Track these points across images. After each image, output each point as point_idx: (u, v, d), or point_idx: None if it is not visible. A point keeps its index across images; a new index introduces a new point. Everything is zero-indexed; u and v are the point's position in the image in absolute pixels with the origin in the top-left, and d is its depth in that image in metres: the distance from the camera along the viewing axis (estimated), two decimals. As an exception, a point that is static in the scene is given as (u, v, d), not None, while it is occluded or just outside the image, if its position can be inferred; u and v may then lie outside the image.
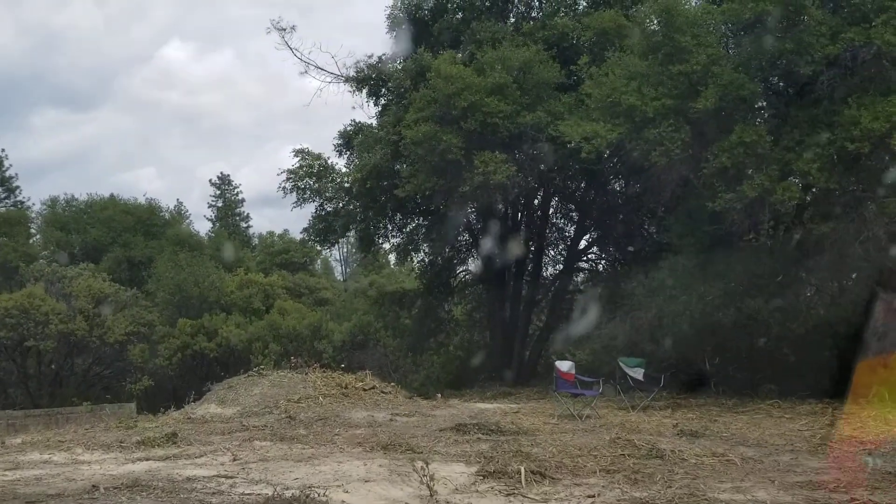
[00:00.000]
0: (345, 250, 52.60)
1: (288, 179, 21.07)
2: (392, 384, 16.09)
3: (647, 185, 15.21)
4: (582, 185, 21.79)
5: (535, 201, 22.55)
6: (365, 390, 14.59)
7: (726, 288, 14.15)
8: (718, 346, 15.02)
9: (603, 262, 23.64)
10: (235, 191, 52.09)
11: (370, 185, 18.73)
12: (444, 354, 25.18)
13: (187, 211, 47.00)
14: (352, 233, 23.40)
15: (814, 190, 12.45)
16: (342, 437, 10.57)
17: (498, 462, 8.48)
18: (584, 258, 23.55)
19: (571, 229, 23.40)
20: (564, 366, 13.02)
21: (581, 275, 24.08)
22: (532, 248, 23.05)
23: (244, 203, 52.27)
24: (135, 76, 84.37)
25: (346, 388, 14.50)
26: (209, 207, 51.93)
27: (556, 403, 13.17)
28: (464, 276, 25.53)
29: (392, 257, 28.70)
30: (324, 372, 15.77)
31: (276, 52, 20.87)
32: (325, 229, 21.91)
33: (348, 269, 54.59)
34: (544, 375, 20.68)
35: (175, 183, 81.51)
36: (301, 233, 23.79)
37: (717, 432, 11.08)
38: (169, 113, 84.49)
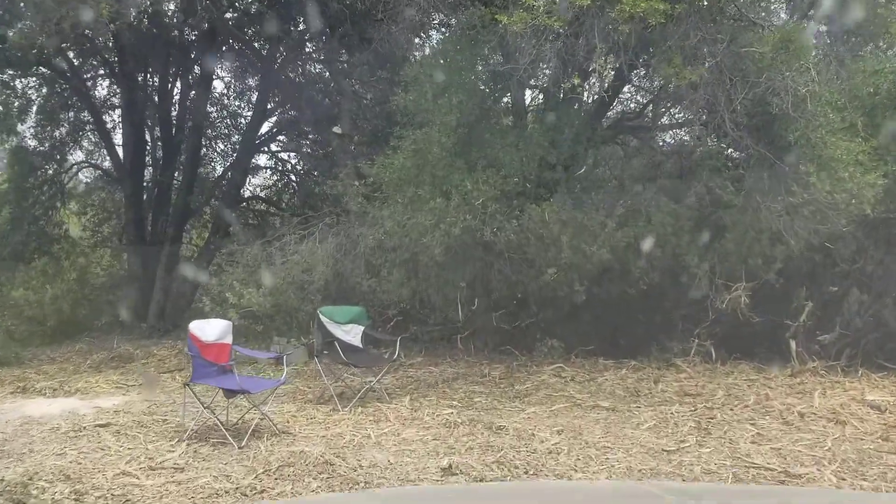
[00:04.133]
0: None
1: None
2: None
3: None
4: (266, 46, 15.09)
5: (196, 67, 15.38)
6: None
7: (504, 185, 8.63)
8: (479, 282, 9.57)
9: (296, 156, 17.25)
10: None
11: None
12: (55, 287, 17.26)
13: None
14: None
15: None
16: None
17: None
18: (267, 150, 16.96)
19: (247, 112, 16.58)
20: (210, 331, 6.56)
21: (264, 173, 17.51)
22: (188, 132, 15.95)
23: None
24: None
25: None
26: None
27: (192, 405, 6.71)
28: (84, 171, 17.70)
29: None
30: None
31: None
32: None
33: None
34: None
35: None
36: None
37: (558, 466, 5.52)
38: None
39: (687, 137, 11.20)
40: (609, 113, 11.20)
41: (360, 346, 7.82)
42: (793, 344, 9.67)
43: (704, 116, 9.24)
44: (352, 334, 7.75)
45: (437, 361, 9.72)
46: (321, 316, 7.76)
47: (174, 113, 16.30)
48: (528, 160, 8.86)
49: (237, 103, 17.04)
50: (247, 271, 10.35)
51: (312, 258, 10.01)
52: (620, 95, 11.29)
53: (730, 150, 9.45)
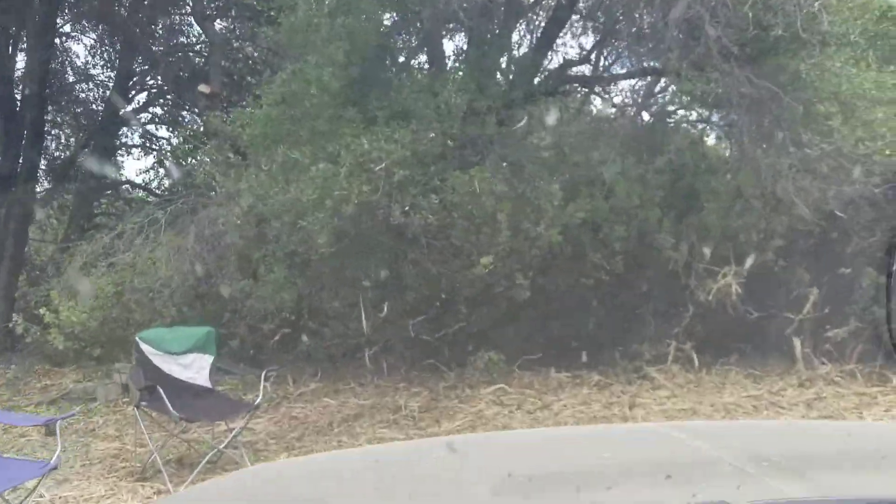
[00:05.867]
0: None
1: None
2: None
3: None
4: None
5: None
6: None
7: (416, 145, 6.23)
8: (389, 280, 7.14)
9: (169, 129, 14.40)
10: None
11: None
12: None
13: None
14: None
15: None
16: None
17: None
18: (136, 124, 14.08)
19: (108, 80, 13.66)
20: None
21: (137, 153, 14.57)
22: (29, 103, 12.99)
23: None
24: None
25: None
26: None
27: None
28: None
29: None
30: None
31: None
32: None
33: None
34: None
35: None
36: None
37: None
38: None
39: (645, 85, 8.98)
40: (550, 57, 8.87)
41: (208, 385, 5.30)
42: (797, 343, 7.59)
43: (679, 48, 6.98)
44: (194, 369, 5.23)
45: (336, 388, 7.26)
46: (141, 344, 5.21)
47: (17, 82, 13.33)
48: (450, 110, 6.47)
49: (98, 70, 14.11)
50: (74, 277, 7.69)
51: (163, 254, 7.43)
52: (563, 35, 8.98)
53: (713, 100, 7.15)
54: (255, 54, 9.19)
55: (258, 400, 5.23)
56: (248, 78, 10.68)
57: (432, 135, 6.23)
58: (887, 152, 6.14)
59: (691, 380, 7.41)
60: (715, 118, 7.45)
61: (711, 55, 6.44)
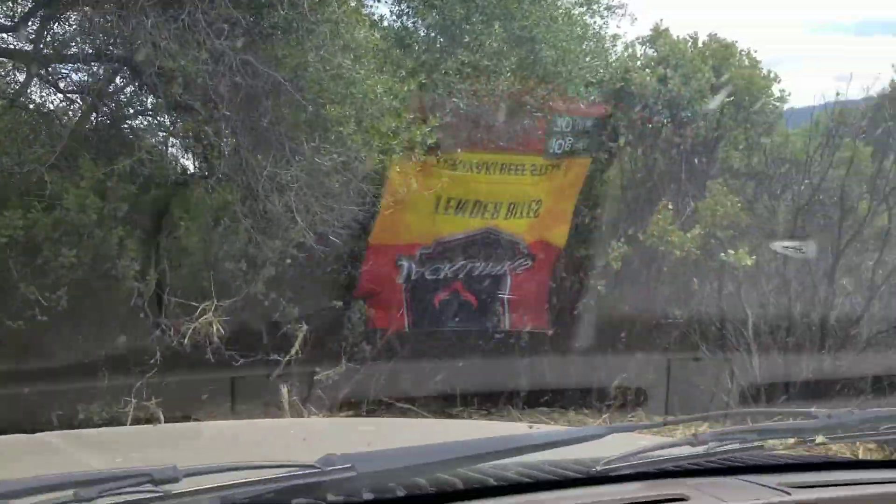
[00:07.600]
0: None
1: None
2: None
3: None
4: None
5: None
6: None
7: None
8: None
9: None
10: None
11: None
12: None
13: None
14: None
15: None
16: None
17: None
18: None
19: None
20: None
21: None
22: None
23: None
24: None
25: None
26: None
27: None
28: None
29: None
30: None
31: None
32: None
33: None
34: None
35: None
36: None
37: None
38: None
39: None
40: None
41: None
42: (283, 390, 6.53)
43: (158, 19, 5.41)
44: None
45: None
46: None
47: None
48: None
49: None
50: None
51: None
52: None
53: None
54: None
55: None
56: None
57: None
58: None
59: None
60: (197, 113, 5.98)
61: (198, 29, 5.04)
